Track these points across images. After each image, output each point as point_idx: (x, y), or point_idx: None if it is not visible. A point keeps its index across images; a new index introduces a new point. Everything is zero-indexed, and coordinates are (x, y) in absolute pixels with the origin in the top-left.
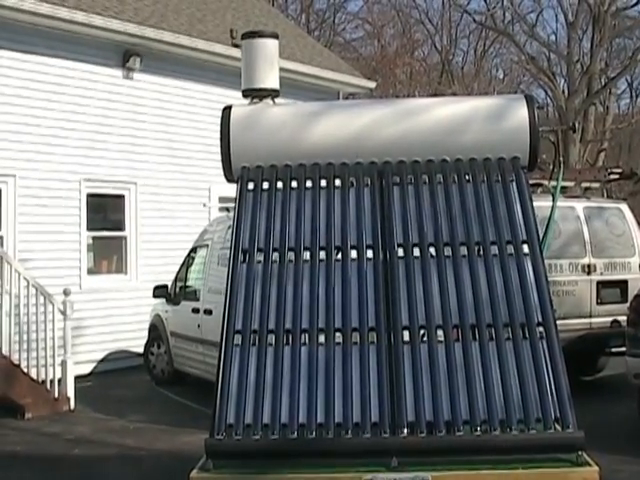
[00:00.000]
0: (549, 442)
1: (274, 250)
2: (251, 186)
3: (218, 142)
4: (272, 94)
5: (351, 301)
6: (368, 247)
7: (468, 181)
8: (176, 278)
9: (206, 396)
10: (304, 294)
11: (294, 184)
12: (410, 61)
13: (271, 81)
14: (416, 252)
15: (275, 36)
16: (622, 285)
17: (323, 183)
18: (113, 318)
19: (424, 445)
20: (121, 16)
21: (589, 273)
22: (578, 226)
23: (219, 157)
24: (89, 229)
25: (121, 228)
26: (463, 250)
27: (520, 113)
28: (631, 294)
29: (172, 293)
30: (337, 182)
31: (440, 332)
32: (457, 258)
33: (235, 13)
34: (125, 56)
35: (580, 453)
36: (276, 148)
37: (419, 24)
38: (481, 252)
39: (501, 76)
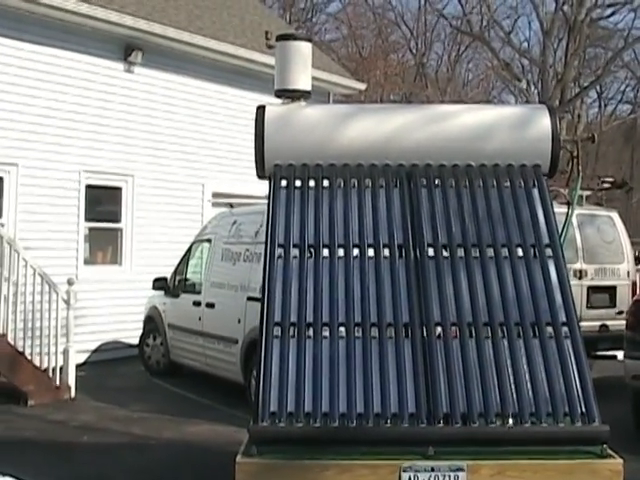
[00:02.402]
0: (576, 435)
1: (309, 246)
2: (284, 183)
3: (215, 138)
4: (304, 95)
5: (385, 297)
6: (399, 246)
7: (492, 186)
8: (175, 271)
9: (203, 388)
10: (340, 289)
11: (326, 183)
12: (390, 63)
13: (304, 83)
14: (445, 252)
15: (309, 39)
16: (611, 291)
17: (354, 183)
18: (107, 309)
19: (460, 435)
20: (124, 10)
21: (580, 278)
22: (571, 232)
23: (214, 153)
24: (87, 220)
25: (117, 220)
26: (490, 252)
27: (543, 122)
28: (619, 300)
29: (171, 286)
30: (367, 182)
31: (471, 329)
32: (484, 259)
33: (230, 11)
34: (127, 50)
35: (604, 446)
36: (308, 148)
37: (394, 26)
38: (507, 254)
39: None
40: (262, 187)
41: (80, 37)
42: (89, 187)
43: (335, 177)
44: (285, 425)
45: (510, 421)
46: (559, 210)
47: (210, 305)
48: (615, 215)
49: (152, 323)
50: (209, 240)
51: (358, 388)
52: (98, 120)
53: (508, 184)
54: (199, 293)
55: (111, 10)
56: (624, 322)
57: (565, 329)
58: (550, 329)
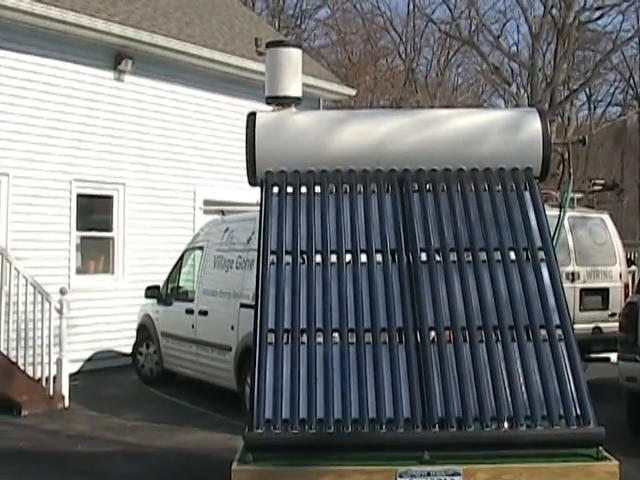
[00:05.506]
0: (572, 438)
1: (301, 252)
2: (276, 190)
3: (207, 145)
4: (295, 102)
5: (379, 302)
6: (392, 251)
7: (484, 190)
8: (168, 279)
9: (196, 395)
10: (333, 295)
11: (318, 189)
12: (380, 69)
13: (294, 89)
14: (438, 257)
15: (299, 46)
16: (603, 293)
17: (345, 189)
18: (99, 318)
19: (455, 439)
20: (112, 19)
21: (573, 280)
22: (563, 235)
23: (205, 160)
24: (78, 229)
25: (109, 229)
26: (483, 255)
27: (534, 125)
28: (612, 302)
29: (164, 294)
30: (359, 188)
31: (465, 333)
32: (477, 263)
33: (219, 18)
34: (117, 58)
35: (600, 448)
36: (299, 154)
37: (383, 32)
38: (500, 257)
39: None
40: (253, 194)
41: (67, 45)
42: (80, 196)
43: (327, 183)
44: (280, 432)
45: (505, 425)
46: (551, 213)
47: (203, 313)
48: (607, 217)
49: (145, 331)
50: (201, 247)
51: (353, 394)
52: (87, 129)
53: (500, 188)
54: (192, 301)
55: (98, 18)
56: (617, 324)
57: (559, 332)
58: (544, 332)
